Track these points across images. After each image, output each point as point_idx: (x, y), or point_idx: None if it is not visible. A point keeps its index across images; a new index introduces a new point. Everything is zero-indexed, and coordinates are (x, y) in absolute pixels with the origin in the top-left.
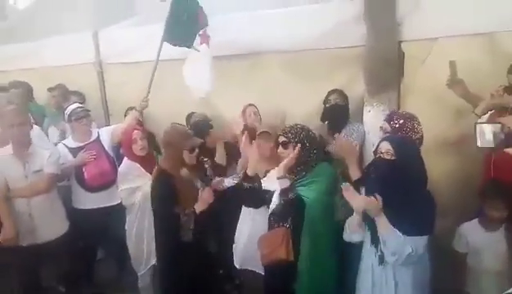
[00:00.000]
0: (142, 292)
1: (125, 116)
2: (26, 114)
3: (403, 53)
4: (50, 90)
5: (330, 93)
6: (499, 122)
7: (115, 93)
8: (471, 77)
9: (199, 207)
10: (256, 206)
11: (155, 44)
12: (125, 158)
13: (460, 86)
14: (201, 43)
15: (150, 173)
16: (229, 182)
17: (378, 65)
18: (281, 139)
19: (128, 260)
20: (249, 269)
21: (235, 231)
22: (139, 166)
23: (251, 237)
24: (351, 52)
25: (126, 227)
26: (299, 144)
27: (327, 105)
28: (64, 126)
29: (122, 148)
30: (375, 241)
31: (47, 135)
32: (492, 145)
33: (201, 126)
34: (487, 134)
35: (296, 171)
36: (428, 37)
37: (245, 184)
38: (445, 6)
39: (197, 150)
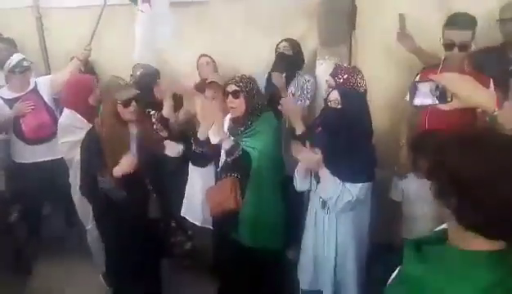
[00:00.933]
0: (91, 246)
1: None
2: None
3: (356, 6)
4: None
5: (280, 41)
6: (432, 80)
7: (55, 41)
8: (422, 33)
9: (116, 171)
10: (203, 166)
11: None
12: (65, 109)
13: (408, 40)
14: (143, 2)
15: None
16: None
17: (331, 18)
18: (232, 88)
19: (75, 214)
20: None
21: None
22: (81, 117)
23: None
24: (305, 3)
25: (70, 181)
26: (248, 94)
27: (276, 54)
28: None
29: (66, 98)
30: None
31: None
32: (429, 103)
33: (147, 79)
34: (422, 92)
35: (243, 122)
36: None
37: (197, 148)
38: None
39: (134, 104)
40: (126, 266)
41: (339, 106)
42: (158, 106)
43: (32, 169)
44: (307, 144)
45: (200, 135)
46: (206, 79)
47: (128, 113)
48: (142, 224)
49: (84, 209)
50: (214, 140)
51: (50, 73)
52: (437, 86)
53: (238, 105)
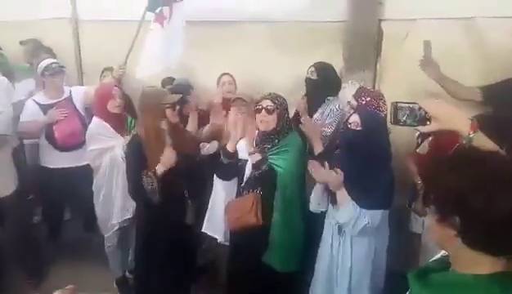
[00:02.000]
0: (108, 254)
1: (101, 77)
2: None
3: (382, 32)
4: (22, 43)
5: (311, 66)
6: (415, 103)
7: (90, 52)
8: (448, 61)
9: (159, 168)
10: (228, 179)
11: (133, 3)
12: (94, 118)
13: (432, 68)
14: (155, 21)
15: (120, 135)
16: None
17: (357, 42)
18: (267, 103)
19: (94, 220)
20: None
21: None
22: (109, 126)
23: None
24: (331, 27)
25: (93, 188)
26: (281, 112)
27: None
28: (32, 82)
29: (94, 106)
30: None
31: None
32: (408, 124)
33: (182, 89)
34: (402, 113)
35: (271, 139)
36: (407, 17)
37: (225, 159)
38: None
39: (178, 107)
40: (154, 270)
41: (359, 128)
42: (184, 119)
43: (58, 174)
44: (326, 164)
45: (229, 147)
46: (227, 97)
47: (174, 116)
48: (178, 229)
49: (104, 217)
50: (242, 154)
51: (82, 84)
52: (419, 108)
53: (270, 121)
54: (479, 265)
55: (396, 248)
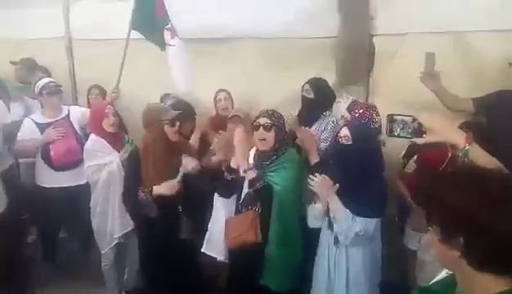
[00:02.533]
0: (105, 273)
1: (88, 94)
2: None
3: (374, 47)
4: (13, 63)
5: (305, 82)
6: (410, 115)
7: (84, 70)
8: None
9: (157, 190)
10: (228, 196)
11: (125, 22)
12: (91, 134)
13: (434, 79)
14: (172, 38)
15: (118, 151)
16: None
17: (349, 57)
18: (265, 121)
19: (91, 238)
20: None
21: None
22: (105, 142)
23: None
24: (323, 43)
25: (90, 204)
26: (278, 129)
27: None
28: (27, 101)
29: (89, 124)
30: (330, 222)
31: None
32: (404, 136)
33: (181, 107)
34: (397, 125)
35: (269, 156)
36: (399, 32)
37: (228, 175)
38: (417, 2)
39: (178, 124)
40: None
41: (350, 142)
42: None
43: (55, 193)
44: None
45: (233, 163)
46: (223, 114)
47: (173, 133)
48: (174, 245)
49: (101, 232)
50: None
51: (77, 101)
52: (413, 120)
53: (268, 138)
54: (485, 284)
55: (390, 263)
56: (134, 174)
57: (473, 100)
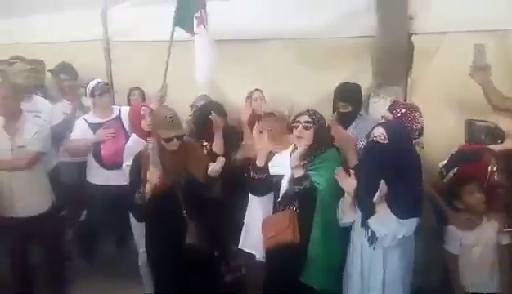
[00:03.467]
0: (142, 270)
1: (128, 96)
2: (9, 87)
3: (413, 46)
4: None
5: (339, 100)
6: (487, 120)
7: (121, 71)
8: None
9: (147, 188)
10: (263, 194)
11: (159, 24)
12: (133, 134)
13: (485, 72)
14: (198, 25)
15: None
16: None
17: (387, 57)
18: (305, 118)
19: (128, 237)
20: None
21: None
22: (144, 141)
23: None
24: (360, 42)
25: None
26: (318, 128)
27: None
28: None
29: (130, 125)
30: (365, 222)
31: None
32: (480, 142)
33: (206, 111)
34: (476, 130)
35: (308, 156)
36: (438, 30)
37: (255, 175)
38: (457, 0)
39: (175, 141)
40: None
41: (386, 142)
42: (212, 138)
43: (102, 191)
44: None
45: (259, 162)
46: (258, 112)
47: (170, 146)
48: (180, 249)
49: (140, 232)
50: (275, 170)
51: (114, 103)
52: (494, 127)
53: (306, 137)
54: None
55: (425, 266)
56: (136, 176)
57: None
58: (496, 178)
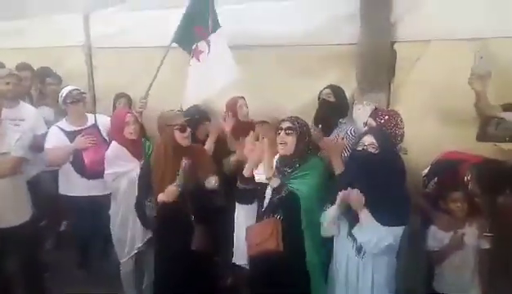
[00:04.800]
0: (124, 280)
1: (113, 103)
2: None
3: (395, 53)
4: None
5: (324, 88)
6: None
7: (103, 78)
8: (461, 81)
9: (160, 197)
10: (248, 203)
11: (144, 30)
12: (113, 142)
13: (484, 79)
14: (192, 57)
15: (137, 159)
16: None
17: (369, 64)
18: (287, 125)
19: (111, 247)
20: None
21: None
22: (126, 151)
23: None
24: (344, 50)
25: (110, 212)
26: (300, 135)
27: (319, 100)
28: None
29: (111, 132)
30: (352, 233)
31: None
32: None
33: (194, 118)
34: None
35: (291, 163)
36: (421, 39)
37: (241, 185)
38: (440, 9)
39: (189, 130)
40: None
41: (377, 151)
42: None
43: (79, 202)
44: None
45: (245, 172)
46: (244, 120)
47: (183, 139)
48: (184, 255)
49: (121, 241)
50: (261, 178)
51: (95, 109)
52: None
53: (289, 143)
54: None
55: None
56: (145, 183)
57: (503, 106)
58: (470, 187)
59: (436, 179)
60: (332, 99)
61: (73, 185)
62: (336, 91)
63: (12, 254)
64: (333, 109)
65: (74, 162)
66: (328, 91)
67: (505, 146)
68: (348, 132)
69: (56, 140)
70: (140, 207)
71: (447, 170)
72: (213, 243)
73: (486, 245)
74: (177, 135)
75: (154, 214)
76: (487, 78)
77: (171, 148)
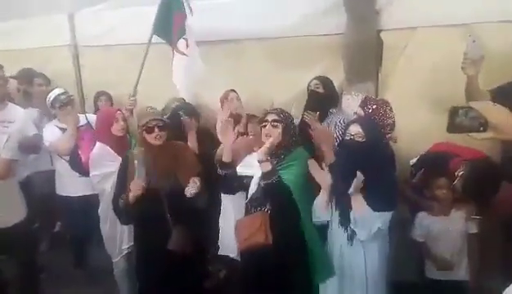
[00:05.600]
0: (117, 278)
1: (95, 101)
2: None
3: (382, 42)
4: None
5: (312, 79)
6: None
7: (90, 76)
8: (448, 67)
9: (130, 197)
10: (233, 192)
11: (130, 28)
12: (97, 143)
13: (477, 64)
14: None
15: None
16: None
17: (356, 54)
18: (272, 117)
19: (103, 246)
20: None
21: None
22: (111, 150)
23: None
24: (331, 40)
25: (99, 213)
26: (286, 127)
27: (308, 92)
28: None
29: (97, 130)
30: (344, 220)
31: None
32: (463, 132)
33: (177, 112)
34: (458, 118)
35: (277, 154)
36: (407, 26)
37: (221, 171)
38: None
39: (158, 131)
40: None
41: (364, 140)
42: (185, 139)
43: (75, 202)
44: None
45: (225, 157)
46: (235, 113)
47: (153, 139)
48: (163, 253)
49: (111, 242)
50: (248, 170)
51: (84, 108)
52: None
53: (274, 135)
54: None
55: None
56: (122, 178)
57: (490, 92)
58: (456, 183)
59: (422, 170)
60: (321, 90)
61: (69, 184)
62: (324, 81)
63: (7, 255)
64: (322, 99)
65: (72, 161)
66: (316, 82)
67: (478, 136)
68: (338, 122)
69: (50, 135)
70: (116, 203)
71: (436, 162)
72: (192, 243)
73: (474, 229)
74: (145, 135)
75: (127, 210)
76: (480, 62)
77: (146, 147)
